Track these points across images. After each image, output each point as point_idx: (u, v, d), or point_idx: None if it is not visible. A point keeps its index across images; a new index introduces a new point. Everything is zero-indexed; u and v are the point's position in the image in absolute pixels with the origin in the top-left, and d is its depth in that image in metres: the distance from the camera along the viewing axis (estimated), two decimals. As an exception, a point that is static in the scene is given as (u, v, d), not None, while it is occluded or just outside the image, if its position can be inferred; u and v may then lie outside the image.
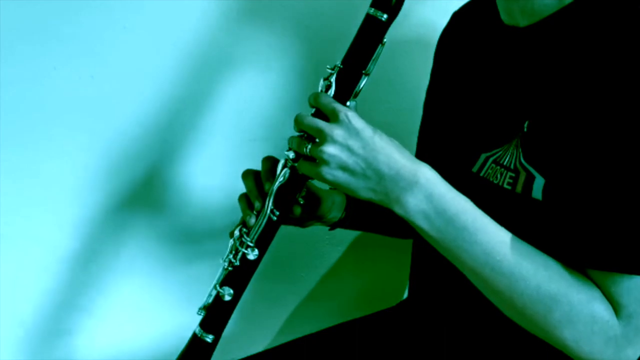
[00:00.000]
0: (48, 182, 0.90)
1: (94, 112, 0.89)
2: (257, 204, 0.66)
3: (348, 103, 0.62)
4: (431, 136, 0.85)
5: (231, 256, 0.65)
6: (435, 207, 0.58)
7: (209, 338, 0.66)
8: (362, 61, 0.62)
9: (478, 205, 0.59)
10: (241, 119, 0.97)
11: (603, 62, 0.56)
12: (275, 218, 0.65)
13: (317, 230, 0.85)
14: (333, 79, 0.62)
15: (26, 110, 0.86)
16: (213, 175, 0.99)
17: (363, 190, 0.59)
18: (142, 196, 0.96)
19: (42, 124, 0.87)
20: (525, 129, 0.63)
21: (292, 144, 0.63)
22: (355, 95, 0.63)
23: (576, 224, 0.57)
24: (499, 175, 0.65)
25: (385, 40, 0.62)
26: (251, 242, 0.65)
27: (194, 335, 0.67)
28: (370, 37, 0.62)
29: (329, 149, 0.57)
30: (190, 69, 0.91)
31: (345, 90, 0.62)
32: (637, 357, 0.57)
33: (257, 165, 0.71)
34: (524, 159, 0.62)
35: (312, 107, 0.63)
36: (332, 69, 0.62)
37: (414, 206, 0.58)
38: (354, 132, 0.58)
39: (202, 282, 1.00)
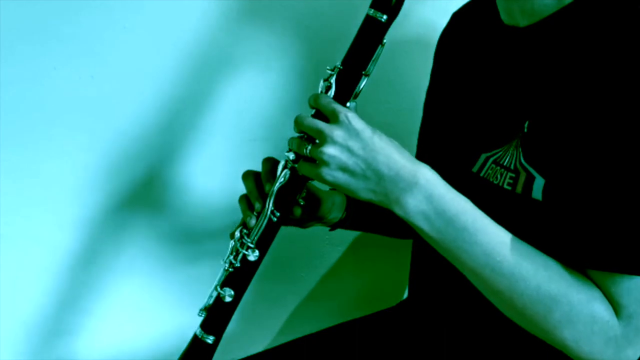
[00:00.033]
0: (48, 182, 0.90)
1: (94, 112, 0.89)
2: (257, 205, 0.66)
3: (348, 104, 0.62)
4: (431, 136, 0.85)
5: (232, 257, 0.65)
6: (435, 208, 0.58)
7: (210, 339, 0.66)
8: (362, 62, 0.62)
9: (478, 205, 0.59)
10: (241, 119, 0.97)
11: (603, 62, 0.56)
12: (275, 219, 0.65)
13: (317, 230, 0.85)
14: (333, 80, 0.62)
15: (26, 110, 0.86)
16: (213, 175, 0.99)
17: (363, 191, 0.59)
18: (142, 196, 0.96)
19: (42, 124, 0.87)
20: (525, 129, 0.63)
21: (292, 145, 0.63)
22: (355, 96, 0.63)
23: (576, 224, 0.57)
24: (499, 176, 0.65)
25: (385, 40, 0.62)
26: (252, 243, 0.65)
27: (195, 336, 0.67)
28: (370, 38, 0.62)
29: (329, 150, 0.57)
30: (190, 69, 0.91)
31: (345, 91, 0.62)
32: (637, 357, 0.57)
33: (257, 166, 0.71)
34: (524, 159, 0.62)
35: (312, 108, 0.63)
36: (332, 70, 0.62)
37: (413, 207, 0.58)
38: (353, 133, 0.58)
39: (202, 282, 1.00)
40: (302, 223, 0.77)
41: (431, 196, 0.58)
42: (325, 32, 0.96)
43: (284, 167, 0.64)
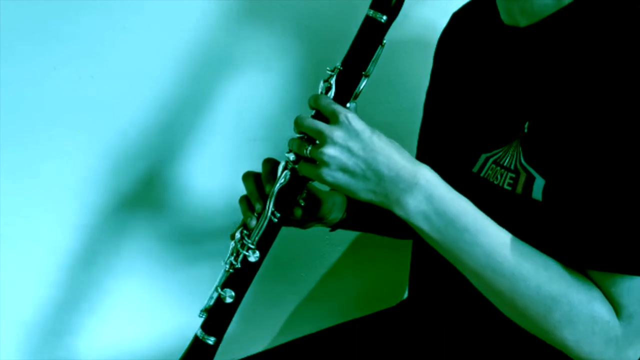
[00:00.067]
0: (48, 182, 0.90)
1: (94, 112, 0.89)
2: (257, 206, 0.66)
3: (348, 105, 0.62)
4: (431, 137, 0.85)
5: (232, 258, 0.65)
6: (436, 209, 0.58)
7: (211, 340, 0.66)
8: (362, 63, 0.62)
9: (478, 205, 0.59)
10: (241, 119, 0.97)
11: (603, 62, 0.56)
12: (276, 220, 0.65)
13: (317, 230, 0.85)
14: (333, 81, 0.62)
15: (26, 110, 0.86)
16: (213, 175, 0.99)
17: (363, 191, 0.59)
18: (142, 196, 0.96)
19: (42, 124, 0.87)
20: (525, 130, 0.63)
21: (292, 146, 0.63)
22: (355, 97, 0.63)
23: (576, 224, 0.57)
24: (499, 176, 0.65)
25: (384, 41, 0.62)
26: (252, 244, 0.65)
27: (196, 337, 0.67)
28: (369, 38, 0.62)
29: (329, 151, 0.57)
30: (190, 69, 0.91)
31: (345, 92, 0.62)
32: (637, 357, 0.57)
33: (257, 166, 0.71)
34: (524, 159, 0.62)
35: (312, 108, 0.63)
36: (332, 71, 0.62)
37: (414, 207, 0.58)
38: (354, 134, 0.58)
39: (203, 282, 1.00)
40: (302, 224, 0.77)
41: (431, 197, 0.58)
42: (325, 32, 0.96)
43: (284, 168, 0.64)
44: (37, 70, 0.84)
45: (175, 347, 1.01)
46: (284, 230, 0.68)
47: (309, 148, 0.59)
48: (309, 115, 0.62)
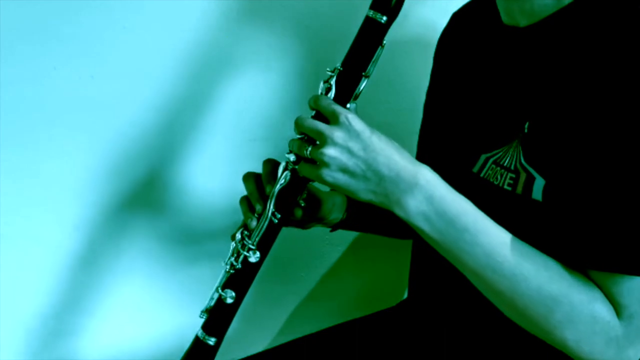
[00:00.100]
0: (48, 182, 0.90)
1: (94, 112, 0.89)
2: (258, 207, 0.66)
3: (348, 105, 0.62)
4: (431, 137, 0.85)
5: (233, 259, 0.65)
6: (436, 209, 0.58)
7: (212, 341, 0.66)
8: (362, 63, 0.62)
9: (478, 206, 0.59)
10: (241, 119, 0.97)
11: (603, 63, 0.56)
12: (276, 221, 0.65)
13: (317, 230, 0.85)
14: (333, 82, 0.62)
15: (26, 110, 0.86)
16: (213, 175, 0.98)
17: (363, 192, 0.59)
18: (143, 196, 0.96)
19: (42, 124, 0.87)
20: (525, 130, 0.63)
21: (292, 147, 0.62)
22: (356, 98, 0.63)
23: (577, 224, 0.57)
24: (499, 176, 0.65)
25: (384, 42, 0.62)
26: (253, 244, 0.65)
27: (197, 338, 0.67)
28: (369, 39, 0.62)
29: (329, 151, 0.57)
30: (190, 69, 0.91)
31: (345, 93, 0.62)
32: (638, 357, 0.57)
33: (258, 166, 0.71)
34: (524, 159, 0.62)
35: (312, 109, 0.63)
36: (332, 72, 0.62)
37: (414, 208, 0.58)
38: (354, 134, 0.58)
39: (203, 282, 1.00)
40: (303, 224, 0.77)
41: (432, 197, 0.58)
42: (325, 33, 0.96)
43: (285, 169, 0.64)
44: (37, 70, 0.84)
45: (175, 347, 1.01)
46: (284, 231, 0.68)
47: (309, 149, 0.59)
48: (309, 116, 0.62)
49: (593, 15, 0.59)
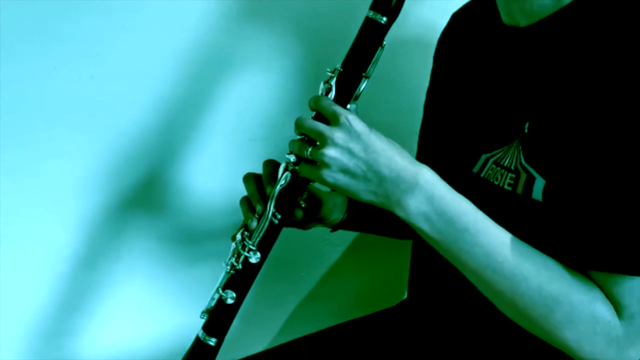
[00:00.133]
0: (48, 182, 0.90)
1: (94, 112, 0.89)
2: (258, 208, 0.66)
3: (348, 106, 0.62)
4: (432, 137, 0.85)
5: (233, 260, 0.65)
6: (436, 209, 0.58)
7: (212, 341, 0.66)
8: (362, 64, 0.62)
9: (478, 206, 0.59)
10: (241, 119, 0.97)
11: (603, 62, 0.56)
12: (277, 221, 0.65)
13: (318, 231, 0.85)
14: (333, 82, 0.62)
15: (26, 110, 0.86)
16: (213, 175, 0.98)
17: (364, 192, 0.59)
18: (143, 196, 0.96)
19: (42, 124, 0.87)
20: (525, 130, 0.63)
21: (292, 148, 0.62)
22: (356, 98, 0.63)
23: (577, 225, 0.57)
24: (499, 176, 0.65)
25: (384, 42, 0.62)
26: (253, 245, 0.65)
27: (197, 338, 0.67)
28: (369, 40, 0.62)
29: (330, 152, 0.57)
30: (190, 69, 0.91)
31: (346, 93, 0.62)
32: (638, 357, 0.57)
33: (258, 166, 0.71)
34: (525, 159, 0.62)
35: (313, 110, 0.63)
36: (332, 72, 0.62)
37: (414, 208, 0.58)
38: (354, 135, 0.58)
39: (203, 282, 1.00)
40: (303, 225, 0.77)
41: (432, 197, 0.58)
42: (325, 33, 0.96)
43: (285, 170, 0.64)
44: (37, 70, 0.84)
45: (176, 347, 1.01)
46: (284, 230, 0.68)
47: (310, 149, 0.59)
48: (310, 117, 0.62)
49: (593, 15, 0.59)
